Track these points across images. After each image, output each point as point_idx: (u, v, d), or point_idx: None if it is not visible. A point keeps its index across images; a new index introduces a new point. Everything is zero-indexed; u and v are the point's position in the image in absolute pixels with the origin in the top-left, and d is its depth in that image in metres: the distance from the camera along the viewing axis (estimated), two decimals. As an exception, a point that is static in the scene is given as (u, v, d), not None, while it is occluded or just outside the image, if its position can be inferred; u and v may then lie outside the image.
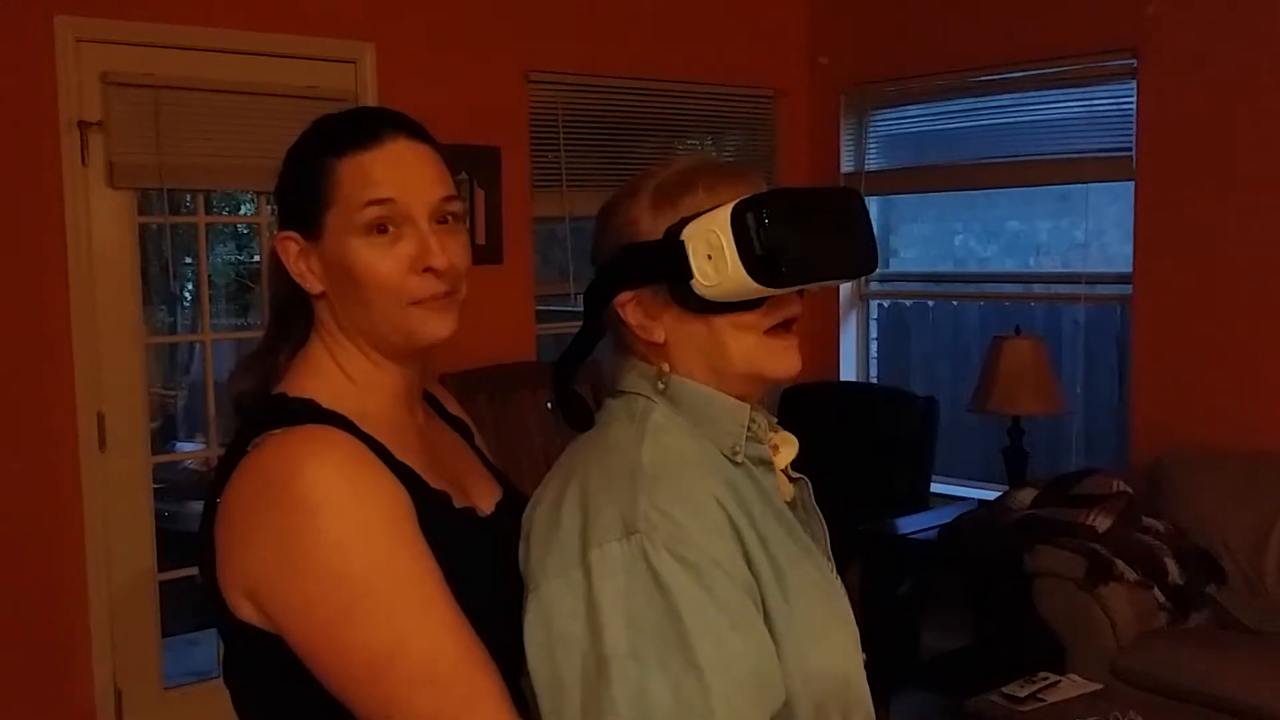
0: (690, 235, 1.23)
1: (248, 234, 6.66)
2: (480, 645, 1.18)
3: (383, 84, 4.04)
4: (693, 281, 1.23)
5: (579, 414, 1.36)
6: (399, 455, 1.25)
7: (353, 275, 1.26)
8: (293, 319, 1.34)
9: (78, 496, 3.58)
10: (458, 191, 1.33)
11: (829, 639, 1.27)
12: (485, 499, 1.37)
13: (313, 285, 1.30)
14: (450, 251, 1.27)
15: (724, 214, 1.21)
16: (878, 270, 1.35)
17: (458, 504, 1.30)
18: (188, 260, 5.74)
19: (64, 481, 3.56)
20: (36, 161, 3.50)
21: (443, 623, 1.17)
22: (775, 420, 1.38)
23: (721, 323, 1.26)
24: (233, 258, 7.20)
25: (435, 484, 1.28)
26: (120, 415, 3.67)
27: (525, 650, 1.21)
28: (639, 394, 1.30)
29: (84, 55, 3.55)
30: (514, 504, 1.37)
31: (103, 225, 3.63)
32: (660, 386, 1.29)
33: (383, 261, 1.25)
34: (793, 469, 1.38)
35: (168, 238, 4.21)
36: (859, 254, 1.32)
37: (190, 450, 5.88)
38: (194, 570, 4.27)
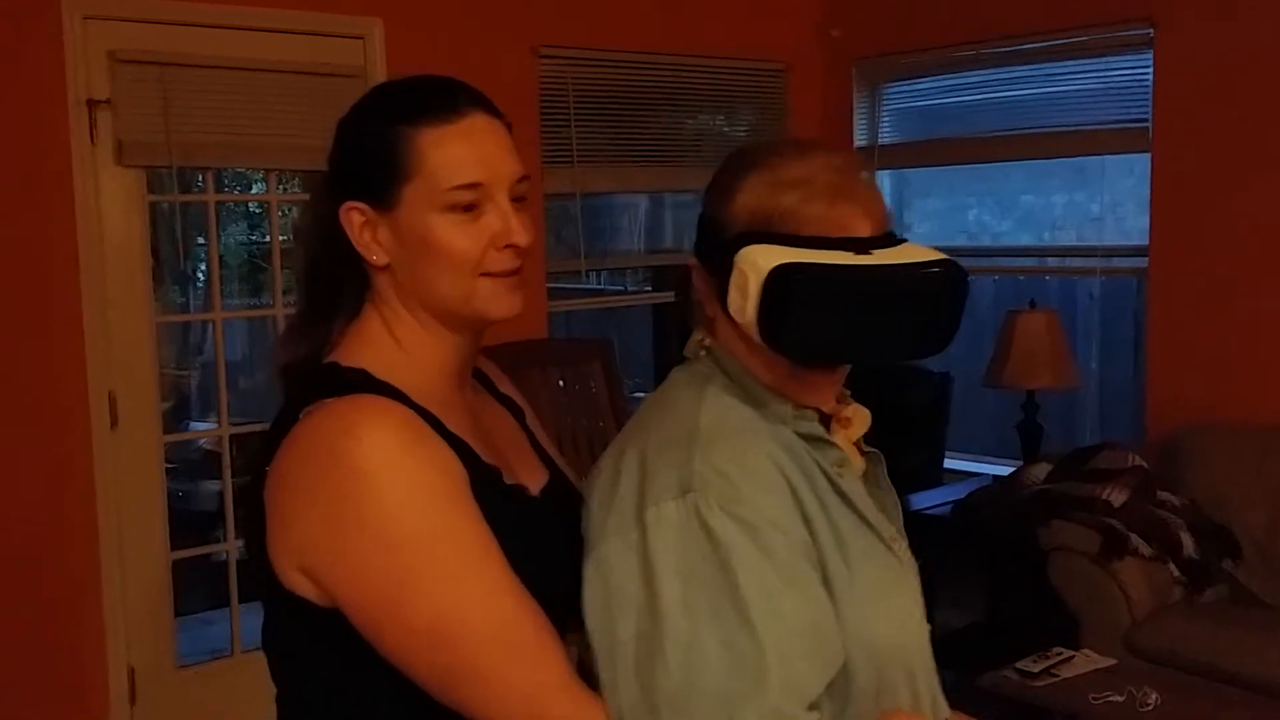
0: (739, 261, 1.22)
1: (259, 213, 6.65)
2: (535, 605, 1.18)
3: (391, 59, 4.01)
4: (726, 299, 1.24)
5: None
6: (450, 427, 1.25)
7: (431, 249, 1.25)
8: (337, 288, 1.32)
9: (90, 476, 3.58)
10: None
11: (890, 606, 1.27)
12: (533, 481, 1.36)
13: (379, 257, 1.28)
14: (528, 229, 1.28)
15: (766, 264, 1.19)
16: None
17: (508, 479, 1.30)
18: (199, 240, 5.74)
19: (76, 461, 3.56)
20: (45, 140, 3.48)
21: (504, 586, 1.17)
22: (848, 393, 1.38)
23: (753, 340, 1.25)
24: (244, 237, 7.19)
25: (486, 458, 1.28)
26: (132, 394, 3.67)
27: (584, 611, 1.22)
28: (699, 360, 1.32)
29: (91, 33, 3.53)
30: (560, 489, 1.37)
31: (112, 204, 3.62)
32: (701, 354, 1.32)
33: (464, 238, 1.25)
34: (865, 443, 1.37)
35: (178, 217, 4.20)
36: (915, 338, 1.24)
37: (203, 430, 5.89)
38: (206, 549, 4.30)
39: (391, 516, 1.15)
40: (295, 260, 1.36)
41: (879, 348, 1.25)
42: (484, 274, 1.26)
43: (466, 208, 1.24)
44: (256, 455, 1.25)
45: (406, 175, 1.24)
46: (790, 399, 1.29)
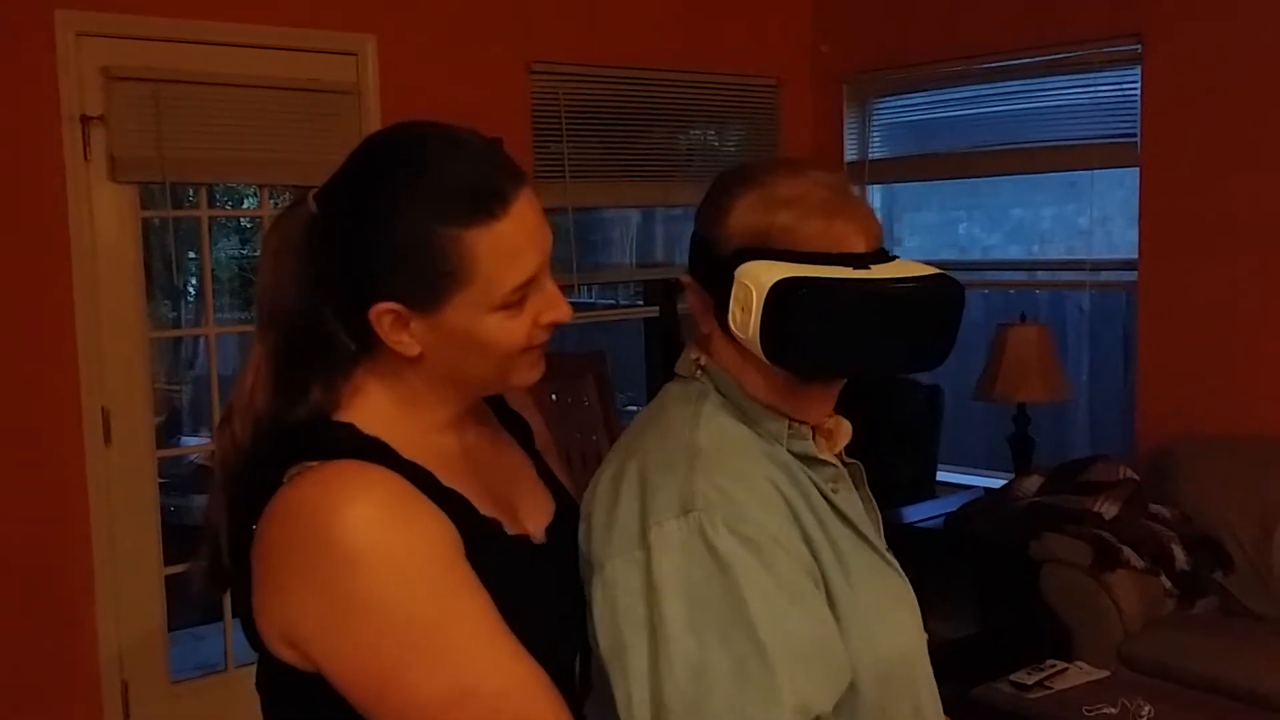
0: (740, 276, 1.22)
1: (251, 228, 6.66)
2: (542, 674, 1.15)
3: (384, 76, 4.03)
4: (726, 317, 1.24)
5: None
6: (445, 481, 1.20)
7: (480, 345, 1.19)
8: (318, 343, 1.22)
9: (83, 491, 3.58)
10: None
11: (892, 619, 1.28)
12: (538, 520, 1.32)
13: (410, 350, 1.20)
14: (564, 299, 1.24)
15: (768, 279, 1.19)
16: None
17: (510, 530, 1.26)
18: (191, 255, 5.74)
19: (69, 476, 3.56)
20: (39, 156, 3.49)
21: (504, 659, 1.13)
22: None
23: (751, 356, 1.26)
24: (236, 252, 7.20)
25: (485, 510, 1.23)
26: (125, 409, 3.67)
27: (593, 630, 1.22)
28: (693, 378, 1.32)
29: (85, 49, 3.54)
30: (567, 521, 1.32)
31: (105, 219, 3.62)
32: (697, 374, 1.31)
33: (516, 328, 1.20)
34: (845, 454, 1.39)
35: (171, 232, 4.21)
36: (915, 351, 1.26)
37: (195, 444, 5.89)
38: (200, 563, 4.30)
39: (380, 600, 1.10)
40: (265, 307, 1.24)
41: (880, 361, 1.26)
42: (525, 350, 1.23)
43: (518, 302, 1.19)
44: (239, 505, 1.20)
45: (460, 283, 1.16)
46: (786, 415, 1.29)
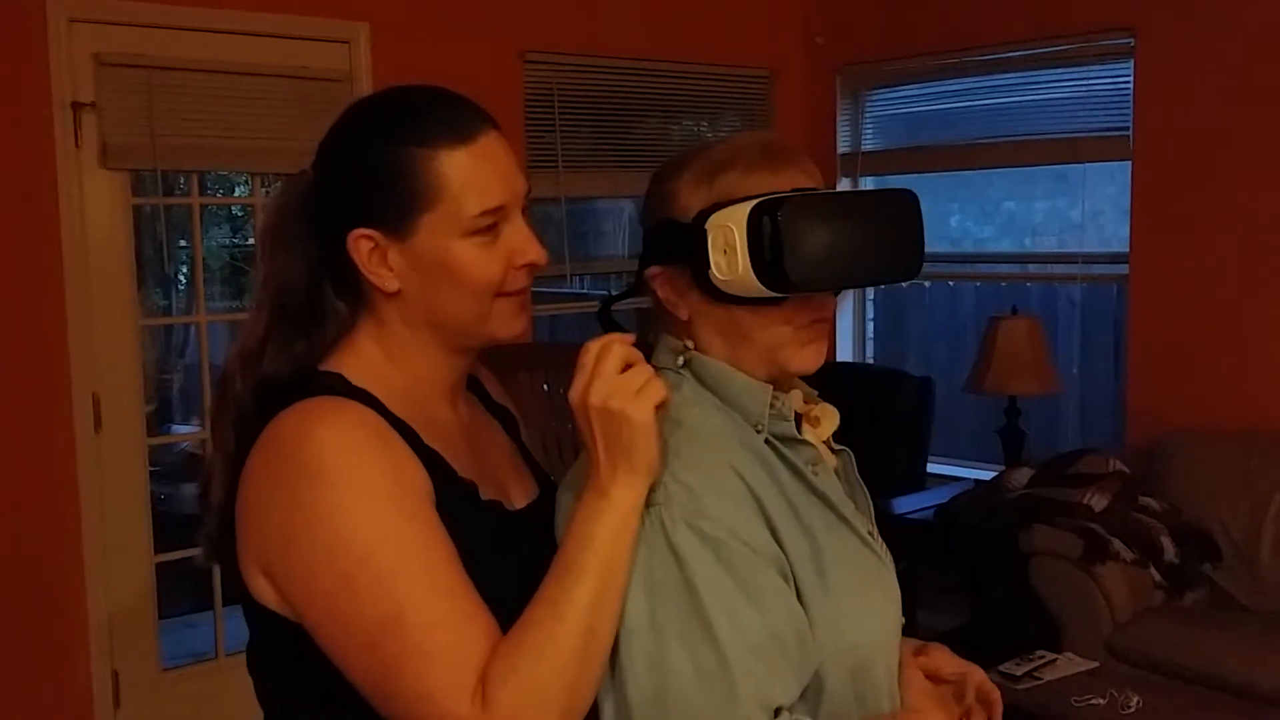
0: (712, 226, 1.23)
1: (242, 216, 6.64)
2: (482, 618, 1.15)
3: (376, 64, 4.01)
4: (709, 272, 1.24)
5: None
6: (428, 440, 1.23)
7: (453, 275, 1.22)
8: (311, 303, 1.27)
9: (73, 478, 3.57)
10: None
11: (867, 605, 1.28)
12: (520, 495, 1.35)
13: (390, 284, 1.24)
14: (542, 246, 1.27)
15: (742, 212, 1.21)
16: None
17: (486, 495, 1.28)
18: (182, 242, 5.72)
19: (60, 464, 3.55)
20: (30, 143, 3.48)
21: (442, 595, 1.14)
22: (816, 393, 1.40)
23: (742, 313, 1.26)
24: (227, 240, 7.18)
25: (464, 473, 1.26)
26: (115, 397, 3.66)
27: None
28: (668, 369, 1.31)
29: (76, 35, 3.53)
30: (549, 502, 1.34)
31: (96, 206, 3.61)
32: (680, 362, 1.30)
33: (489, 262, 1.23)
34: (834, 441, 1.39)
35: (162, 219, 4.20)
36: (893, 259, 1.30)
37: (186, 432, 5.88)
38: (190, 552, 4.28)
39: (333, 519, 1.13)
40: (261, 267, 1.29)
41: (864, 267, 1.29)
42: (500, 294, 1.25)
43: (487, 229, 1.22)
44: (233, 455, 1.24)
45: (427, 204, 1.20)
46: (775, 379, 1.29)
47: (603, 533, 1.15)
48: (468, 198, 1.20)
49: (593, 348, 1.18)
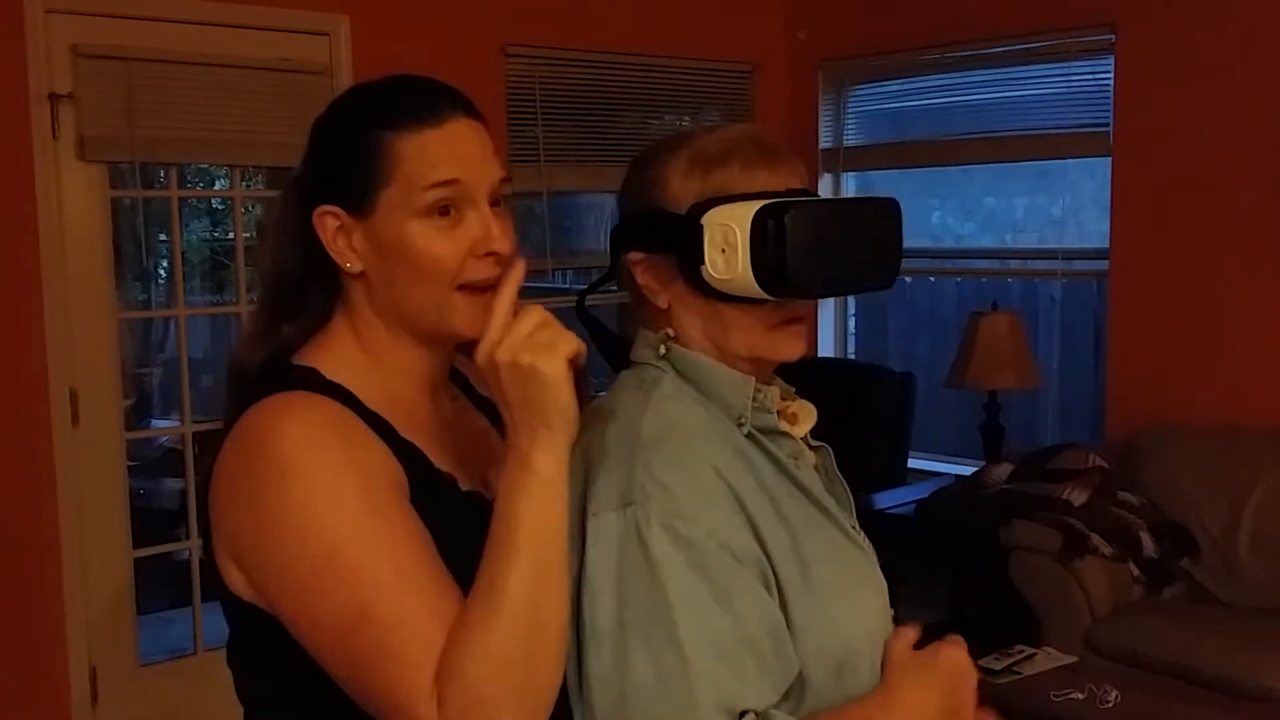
0: (710, 222, 1.22)
1: (222, 209, 6.61)
2: (454, 609, 1.13)
3: (357, 57, 3.99)
4: (703, 268, 1.23)
5: (607, 347, 1.36)
6: (404, 433, 1.23)
7: (407, 257, 1.21)
8: (302, 291, 1.29)
9: (51, 473, 3.55)
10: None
11: (853, 601, 1.28)
12: None
13: (353, 264, 1.24)
14: (508, 235, 1.24)
15: (746, 213, 1.20)
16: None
17: (466, 486, 1.28)
18: (161, 236, 5.69)
19: (37, 458, 3.53)
20: (6, 135, 3.45)
21: (409, 591, 1.12)
22: (793, 389, 1.39)
23: (726, 307, 1.26)
24: (207, 233, 7.14)
25: (442, 465, 1.26)
26: (93, 391, 3.64)
27: None
28: (649, 364, 1.31)
29: (54, 26, 3.50)
30: None
31: (74, 199, 3.59)
32: (661, 353, 1.29)
33: (443, 245, 1.21)
34: (812, 437, 1.38)
35: (140, 212, 4.18)
36: (879, 269, 1.32)
37: (165, 427, 5.84)
38: (168, 547, 4.26)
39: (300, 514, 1.13)
40: (260, 259, 1.33)
41: (853, 276, 1.31)
42: (461, 286, 1.22)
43: (443, 211, 1.21)
44: (212, 457, 1.25)
45: (384, 180, 1.21)
46: (756, 372, 1.29)
47: (530, 509, 1.12)
48: (418, 171, 1.20)
49: (502, 308, 1.16)
